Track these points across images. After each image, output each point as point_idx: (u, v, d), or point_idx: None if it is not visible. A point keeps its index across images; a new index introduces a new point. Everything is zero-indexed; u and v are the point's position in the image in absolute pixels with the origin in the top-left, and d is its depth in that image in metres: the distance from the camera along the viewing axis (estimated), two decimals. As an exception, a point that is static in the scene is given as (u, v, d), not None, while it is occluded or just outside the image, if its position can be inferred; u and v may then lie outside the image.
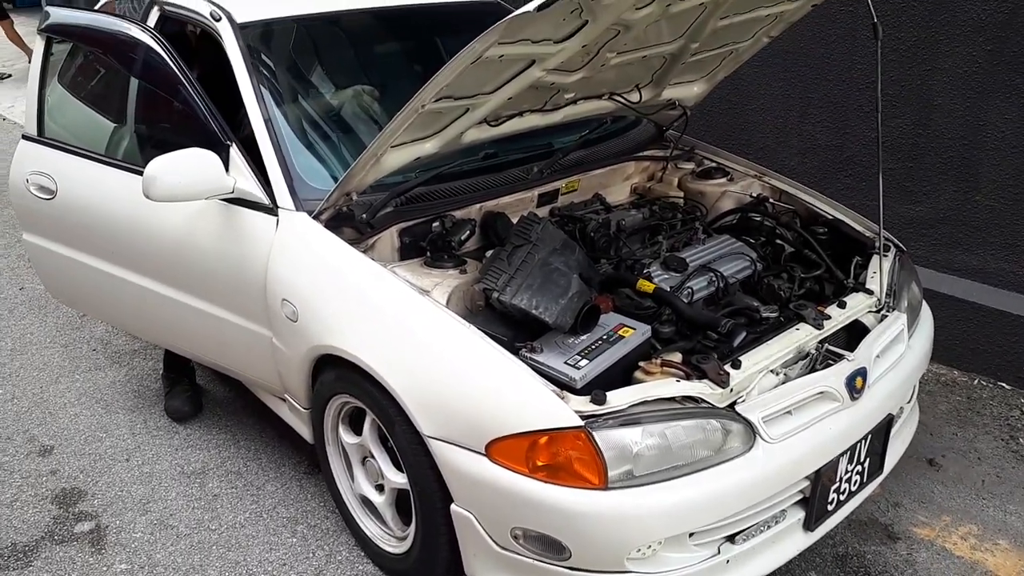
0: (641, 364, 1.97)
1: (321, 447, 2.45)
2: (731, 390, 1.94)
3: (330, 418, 2.37)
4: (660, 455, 1.82)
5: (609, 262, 2.45)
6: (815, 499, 2.06)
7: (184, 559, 2.41)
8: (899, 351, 2.31)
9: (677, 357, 2.02)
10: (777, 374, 2.07)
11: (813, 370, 2.11)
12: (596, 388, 1.84)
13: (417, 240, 2.37)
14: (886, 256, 2.58)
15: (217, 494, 2.69)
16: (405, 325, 2.01)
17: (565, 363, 1.90)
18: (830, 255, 2.63)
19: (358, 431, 2.31)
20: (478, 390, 1.86)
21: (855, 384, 2.09)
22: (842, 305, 2.30)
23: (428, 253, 2.31)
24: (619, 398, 1.82)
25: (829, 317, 2.24)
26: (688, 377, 1.94)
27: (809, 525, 2.09)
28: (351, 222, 2.33)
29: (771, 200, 2.89)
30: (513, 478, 1.82)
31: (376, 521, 2.37)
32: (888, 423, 2.25)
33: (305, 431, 2.52)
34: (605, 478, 1.77)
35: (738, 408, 1.92)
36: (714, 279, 2.42)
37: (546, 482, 1.80)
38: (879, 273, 2.46)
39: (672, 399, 1.87)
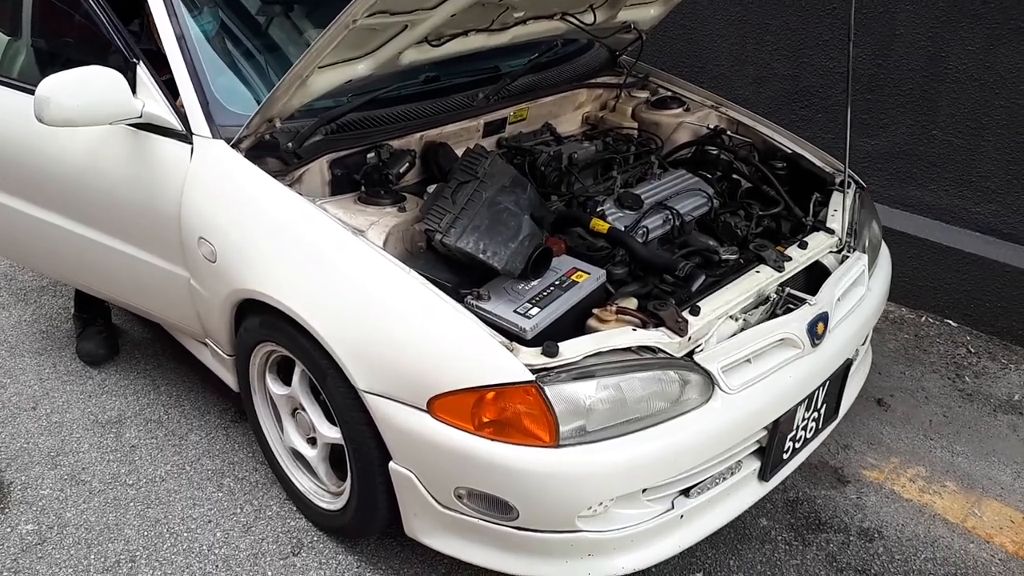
0: (595, 311, 1.83)
1: (247, 397, 2.26)
2: (689, 338, 1.81)
3: (256, 367, 2.18)
4: (614, 409, 1.69)
5: (560, 199, 2.28)
6: (772, 449, 1.99)
7: (98, 517, 2.22)
8: (859, 294, 2.22)
9: (632, 303, 1.89)
10: (736, 320, 1.96)
11: (773, 315, 2.00)
12: (547, 339, 1.70)
13: (350, 173, 2.16)
14: (847, 193, 2.47)
15: (135, 445, 2.49)
16: (337, 269, 1.82)
17: (514, 312, 1.75)
18: (788, 191, 2.50)
19: (287, 381, 2.13)
20: (419, 341, 1.70)
21: (816, 330, 1.99)
22: (803, 245, 2.19)
23: (362, 188, 2.10)
24: (572, 349, 1.68)
25: (790, 258, 2.12)
26: (644, 325, 1.81)
27: (764, 475, 2.02)
28: (275, 152, 2.10)
29: (728, 132, 2.74)
30: (457, 436, 1.68)
31: (309, 475, 2.21)
32: (846, 368, 2.17)
33: (230, 379, 2.33)
34: (556, 435, 1.64)
35: (696, 358, 1.80)
36: (670, 217, 2.28)
37: (493, 440, 1.66)
38: (841, 211, 2.35)
39: (628, 349, 1.74)
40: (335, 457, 2.11)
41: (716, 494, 1.92)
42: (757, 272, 2.05)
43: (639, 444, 1.70)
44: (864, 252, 2.30)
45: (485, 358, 1.65)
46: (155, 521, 2.21)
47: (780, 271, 2.07)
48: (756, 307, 2.03)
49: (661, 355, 1.77)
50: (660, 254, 2.05)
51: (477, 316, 1.72)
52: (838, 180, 2.53)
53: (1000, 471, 2.47)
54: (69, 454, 2.45)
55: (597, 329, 1.80)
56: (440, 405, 1.68)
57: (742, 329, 1.95)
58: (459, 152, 2.38)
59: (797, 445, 2.09)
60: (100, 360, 2.85)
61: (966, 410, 2.76)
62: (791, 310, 2.02)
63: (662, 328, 1.80)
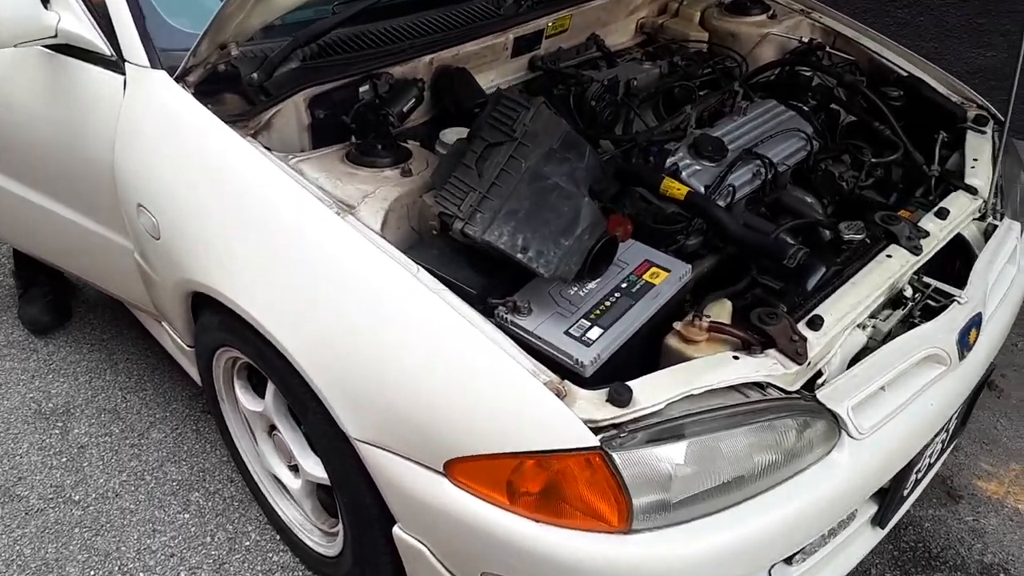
0: (677, 326, 1.31)
1: (213, 403, 1.79)
2: (808, 364, 1.30)
3: (221, 370, 1.69)
4: (707, 474, 1.20)
5: (618, 146, 1.72)
6: (894, 490, 1.51)
7: (34, 550, 1.79)
8: (1010, 276, 1.69)
9: (726, 309, 1.37)
10: (864, 328, 1.44)
11: (910, 319, 1.48)
12: (613, 373, 1.20)
13: (337, 113, 1.61)
14: (983, 133, 1.90)
15: (84, 444, 2.04)
16: (314, 269, 1.30)
17: (566, 334, 1.23)
18: (903, 128, 1.93)
19: (261, 391, 1.64)
20: (431, 383, 1.19)
21: (968, 339, 1.48)
22: (942, 214, 1.64)
23: (353, 137, 1.55)
24: (651, 394, 1.18)
25: (927, 234, 1.58)
26: (747, 347, 1.29)
27: (882, 521, 1.56)
28: (236, 87, 1.55)
29: (826, 48, 2.14)
30: (486, 511, 1.20)
31: (294, 504, 1.76)
32: (988, 375, 1.67)
33: (193, 372, 1.84)
34: (629, 517, 1.16)
35: (820, 395, 1.29)
36: (761, 169, 1.72)
37: (537, 519, 1.18)
38: (987, 161, 1.78)
39: (728, 388, 1.24)
40: (328, 489, 1.65)
41: (825, 555, 1.46)
42: (889, 257, 1.51)
43: (740, 522, 1.22)
44: (1017, 218, 1.75)
45: (527, 412, 1.15)
46: (105, 555, 1.77)
47: (917, 253, 1.54)
48: (885, 307, 1.50)
49: (773, 394, 1.26)
50: (762, 234, 1.51)
51: (514, 339, 1.20)
52: (971, 115, 1.95)
53: None
54: (3, 458, 2.00)
55: (681, 354, 1.28)
56: (462, 469, 1.20)
57: (871, 340, 1.44)
58: (483, 80, 1.81)
59: (919, 476, 1.62)
60: (46, 328, 2.36)
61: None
62: (930, 308, 1.50)
63: (771, 351, 1.29)
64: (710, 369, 1.24)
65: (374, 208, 1.36)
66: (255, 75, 1.55)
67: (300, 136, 1.59)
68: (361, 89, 1.63)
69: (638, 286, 1.31)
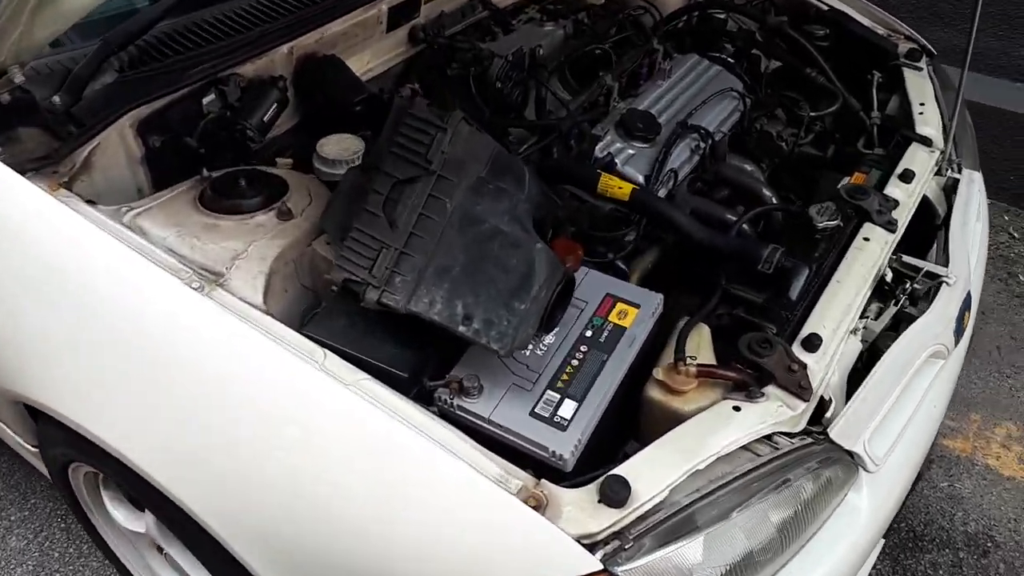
0: (658, 374, 1.05)
1: (80, 514, 1.42)
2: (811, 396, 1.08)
3: (81, 483, 1.32)
4: (727, 562, 0.97)
5: (534, 134, 1.43)
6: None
7: None
8: (980, 235, 1.53)
9: (705, 339, 1.13)
10: (857, 332, 1.24)
11: (899, 312, 1.29)
12: (597, 455, 0.94)
13: (177, 137, 1.24)
14: (919, 70, 1.72)
15: (-84, 576, 1.62)
16: (182, 371, 0.96)
17: (534, 415, 0.95)
18: (832, 70, 1.73)
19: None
20: (363, 516, 0.89)
21: (962, 323, 1.31)
22: (907, 177, 1.44)
23: (205, 170, 1.19)
24: (650, 480, 0.92)
25: (896, 203, 1.39)
26: (743, 387, 1.06)
27: (887, 532, 1.39)
28: (32, 117, 1.15)
29: (738, -16, 1.89)
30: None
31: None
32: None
33: (44, 470, 1.46)
34: (644, 641, 0.92)
35: (834, 433, 1.08)
36: (699, 144, 1.48)
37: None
38: (930, 104, 1.61)
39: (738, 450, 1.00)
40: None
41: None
42: (866, 240, 1.31)
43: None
44: (975, 168, 1.59)
45: (502, 540, 0.87)
46: None
47: (892, 230, 1.34)
48: (871, 300, 1.30)
49: (783, 444, 1.04)
50: (724, 233, 1.27)
51: (463, 429, 0.92)
52: (902, 49, 1.77)
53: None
54: None
55: (668, 409, 1.04)
56: (425, 613, 0.92)
57: (866, 346, 1.24)
58: (357, 65, 1.47)
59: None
60: None
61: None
62: (916, 294, 1.31)
63: (770, 388, 1.06)
64: (711, 430, 1.00)
65: (250, 273, 1.02)
66: (56, 98, 1.16)
67: (133, 175, 1.21)
68: (205, 100, 1.27)
69: (606, 333, 1.05)
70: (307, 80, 1.39)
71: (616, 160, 1.38)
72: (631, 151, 1.41)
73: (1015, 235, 2.50)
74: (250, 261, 1.03)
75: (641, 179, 1.37)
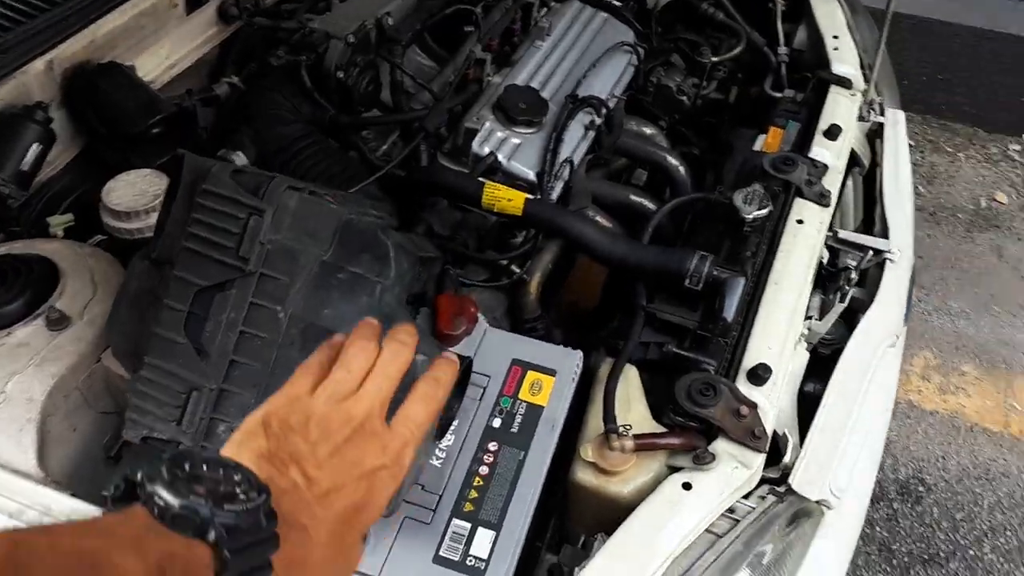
0: (586, 454, 0.84)
1: None
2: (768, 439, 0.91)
3: None
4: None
5: (404, 136, 1.15)
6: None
7: None
8: (907, 180, 1.37)
9: (634, 384, 0.92)
10: (801, 340, 1.06)
11: (841, 302, 1.11)
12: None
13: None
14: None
15: None
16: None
17: (440, 561, 0.73)
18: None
19: None
20: None
21: (911, 297, 1.16)
22: (832, 133, 1.25)
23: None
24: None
25: (825, 167, 1.20)
26: (688, 449, 0.87)
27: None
28: None
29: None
30: None
31: None
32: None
33: None
34: None
35: (797, 484, 0.90)
36: (593, 118, 1.24)
37: None
38: (844, 36, 1.41)
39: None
40: None
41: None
42: (800, 223, 1.12)
43: None
44: (897, 106, 1.41)
45: None
46: None
47: (826, 204, 1.16)
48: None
49: (744, 514, 0.86)
50: (646, 249, 1.04)
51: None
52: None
53: (1010, 326, 1.91)
54: None
55: (601, 495, 0.84)
56: None
57: (812, 350, 1.07)
58: (151, 63, 1.15)
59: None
60: None
61: (939, 238, 2.13)
62: (844, 271, 1.14)
63: (719, 443, 0.88)
64: (661, 523, 0.81)
65: (13, 425, 0.73)
66: None
67: None
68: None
69: (519, 417, 0.82)
70: (79, 101, 1.05)
71: (499, 157, 1.12)
72: (516, 140, 1.16)
73: (911, 143, 2.40)
74: (11, 406, 0.74)
75: (532, 175, 1.13)
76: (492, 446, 0.80)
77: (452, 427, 0.80)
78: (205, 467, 0.45)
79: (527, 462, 0.79)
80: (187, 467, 0.45)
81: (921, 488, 1.63)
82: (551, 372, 0.85)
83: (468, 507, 0.76)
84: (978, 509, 1.51)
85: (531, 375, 0.85)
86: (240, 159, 1.07)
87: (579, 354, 0.88)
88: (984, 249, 2.10)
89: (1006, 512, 1.49)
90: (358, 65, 1.16)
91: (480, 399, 0.83)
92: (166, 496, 0.43)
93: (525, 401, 0.83)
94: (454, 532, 0.74)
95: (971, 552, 1.43)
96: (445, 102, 1.18)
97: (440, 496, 0.77)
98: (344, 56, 1.15)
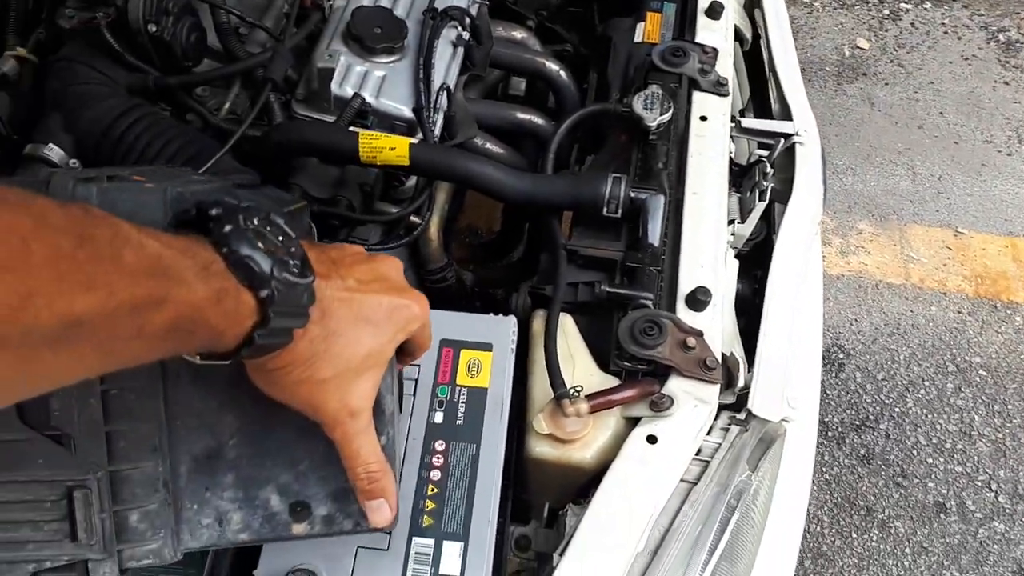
0: (539, 425, 0.76)
1: None
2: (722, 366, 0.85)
3: None
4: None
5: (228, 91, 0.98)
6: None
7: None
8: (791, 49, 1.31)
9: (571, 332, 0.84)
10: (729, 248, 1.00)
11: (759, 199, 1.05)
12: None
13: None
14: None
15: None
16: None
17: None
18: None
19: None
20: None
21: (826, 179, 1.11)
22: (715, 11, 1.16)
23: None
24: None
25: (715, 50, 1.11)
26: (644, 396, 0.80)
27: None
28: None
29: None
30: None
31: None
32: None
33: None
34: None
35: (756, 408, 0.85)
36: (459, 31, 1.10)
37: None
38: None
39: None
40: None
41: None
42: (703, 120, 1.04)
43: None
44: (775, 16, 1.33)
45: None
46: None
47: (724, 93, 1.08)
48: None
49: (713, 450, 0.81)
50: (553, 180, 0.94)
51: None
52: None
53: (893, 175, 1.95)
54: None
55: (565, 466, 0.77)
56: None
57: (739, 256, 1.01)
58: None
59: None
60: None
61: (812, 95, 2.11)
62: (759, 164, 1.08)
63: (673, 382, 0.81)
64: (634, 488, 0.74)
65: None
66: None
67: None
68: None
69: (462, 407, 0.72)
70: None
71: (366, 96, 0.97)
72: (379, 72, 1.00)
73: None
74: None
75: (409, 112, 0.99)
76: (439, 445, 0.70)
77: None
78: (269, 228, 0.47)
79: (481, 456, 0.70)
80: (256, 221, 0.47)
81: (841, 355, 1.66)
82: (487, 347, 0.75)
83: (427, 521, 0.67)
84: (896, 365, 1.54)
85: (465, 354, 0.75)
86: (55, 153, 0.88)
87: (512, 320, 0.78)
88: (856, 100, 2.11)
89: (921, 364, 1.53)
90: (170, 12, 0.96)
91: (414, 394, 0.72)
92: (235, 239, 0.45)
93: (465, 386, 0.73)
94: (417, 553, 0.65)
95: (896, 409, 1.47)
96: (287, 41, 1.01)
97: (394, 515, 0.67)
98: (150, 4, 0.95)
